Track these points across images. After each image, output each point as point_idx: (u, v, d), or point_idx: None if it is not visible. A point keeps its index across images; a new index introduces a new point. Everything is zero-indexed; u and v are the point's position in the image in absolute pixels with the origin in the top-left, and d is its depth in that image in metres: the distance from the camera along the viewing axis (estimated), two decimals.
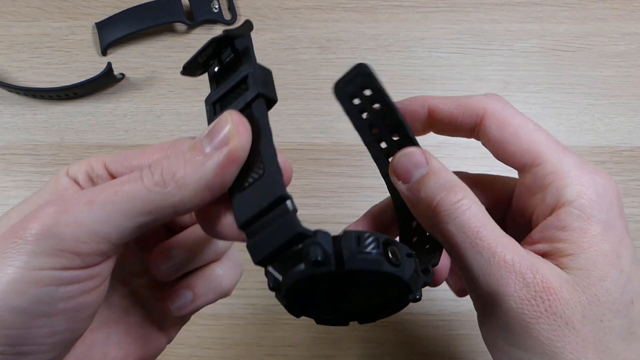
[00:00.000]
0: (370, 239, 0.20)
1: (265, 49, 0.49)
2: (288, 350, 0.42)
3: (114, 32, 0.50)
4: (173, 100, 0.49)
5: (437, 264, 0.25)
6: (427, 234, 0.26)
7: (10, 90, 0.48)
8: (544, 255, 0.23)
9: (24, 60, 0.50)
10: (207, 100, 0.23)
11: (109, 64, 0.47)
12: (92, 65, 0.49)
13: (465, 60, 0.50)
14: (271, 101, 0.22)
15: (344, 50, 0.50)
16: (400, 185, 0.24)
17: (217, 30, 0.51)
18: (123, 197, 0.20)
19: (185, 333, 0.42)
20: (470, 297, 0.24)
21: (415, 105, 0.26)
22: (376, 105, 0.26)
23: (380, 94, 0.26)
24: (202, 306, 0.26)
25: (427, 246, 0.26)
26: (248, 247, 0.20)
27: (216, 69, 0.24)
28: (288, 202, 0.19)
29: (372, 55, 0.50)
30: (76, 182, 0.23)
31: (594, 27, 0.51)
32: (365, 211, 0.30)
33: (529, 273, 0.22)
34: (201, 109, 0.48)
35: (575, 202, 0.23)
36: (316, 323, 0.24)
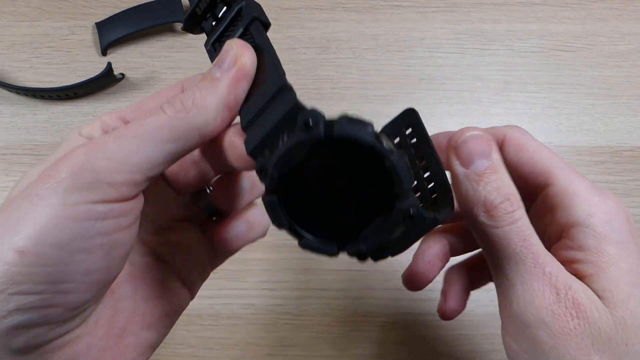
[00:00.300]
0: (362, 121, 0.19)
1: None
2: (288, 350, 0.42)
3: (114, 32, 0.50)
4: None
5: (445, 220, 0.22)
6: (434, 185, 0.24)
7: (10, 90, 0.48)
8: None
9: (24, 60, 0.50)
10: (206, 44, 0.25)
11: (109, 64, 0.47)
12: (92, 65, 0.49)
13: (465, 60, 0.50)
14: (266, 26, 0.24)
15: (344, 50, 0.50)
16: (456, 166, 0.24)
17: None
18: (149, 127, 0.20)
19: (185, 333, 0.42)
20: (500, 305, 0.24)
21: (440, 137, 0.26)
22: (414, 141, 0.25)
23: (421, 131, 0.25)
24: (251, 241, 0.27)
25: (434, 196, 0.24)
26: (245, 141, 0.21)
27: (213, 23, 0.25)
28: (289, 89, 0.20)
29: (372, 55, 0.50)
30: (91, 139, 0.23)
31: (594, 27, 0.51)
32: None
33: (563, 288, 0.22)
34: None
35: (586, 221, 0.23)
36: (299, 245, 0.21)
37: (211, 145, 0.23)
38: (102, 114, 0.24)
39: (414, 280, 0.28)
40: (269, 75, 0.22)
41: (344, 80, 0.49)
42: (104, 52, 0.50)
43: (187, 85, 0.24)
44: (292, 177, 0.20)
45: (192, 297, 0.28)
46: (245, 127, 0.21)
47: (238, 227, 0.26)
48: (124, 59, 0.50)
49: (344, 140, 0.19)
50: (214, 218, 0.28)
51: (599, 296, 0.22)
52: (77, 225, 0.19)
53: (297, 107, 0.20)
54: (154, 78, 0.49)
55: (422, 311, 0.42)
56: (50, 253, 0.19)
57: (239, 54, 0.22)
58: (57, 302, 0.19)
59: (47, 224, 0.19)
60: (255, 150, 0.20)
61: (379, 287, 0.43)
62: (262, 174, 0.20)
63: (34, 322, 0.19)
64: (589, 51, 0.50)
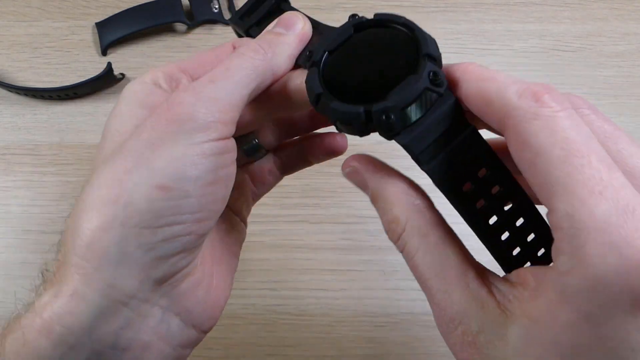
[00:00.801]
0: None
1: None
2: (288, 350, 0.42)
3: (114, 32, 0.50)
4: None
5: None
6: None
7: (10, 90, 0.48)
8: None
9: (24, 60, 0.50)
10: (233, 18, 0.28)
11: (109, 64, 0.47)
12: (92, 65, 0.49)
13: (465, 60, 0.49)
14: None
15: None
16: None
17: (217, 30, 0.51)
18: (236, 70, 0.23)
19: None
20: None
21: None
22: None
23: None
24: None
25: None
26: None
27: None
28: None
29: None
30: (159, 86, 0.25)
31: (594, 27, 0.51)
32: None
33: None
34: None
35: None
36: (331, 117, 0.22)
37: (273, 88, 0.25)
38: (160, 65, 0.25)
39: None
40: (321, 34, 0.25)
41: None
42: (104, 52, 0.50)
43: (239, 45, 0.26)
44: (334, 58, 0.23)
45: (246, 229, 0.31)
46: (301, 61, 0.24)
47: (335, 137, 0.31)
48: (124, 59, 0.50)
49: (381, 20, 0.23)
50: (252, 160, 0.31)
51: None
52: (206, 161, 0.21)
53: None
54: None
55: (422, 311, 0.42)
56: (189, 186, 0.21)
57: (304, 21, 0.25)
58: (193, 230, 0.22)
59: (183, 161, 0.21)
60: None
61: (379, 287, 0.43)
62: (309, 57, 0.23)
63: (175, 251, 0.22)
64: (589, 51, 0.50)
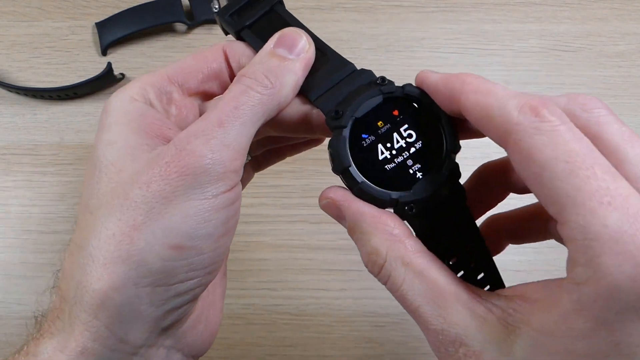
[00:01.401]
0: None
1: None
2: (288, 350, 0.42)
3: (114, 32, 0.50)
4: None
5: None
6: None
7: (10, 90, 0.48)
8: None
9: (24, 60, 0.50)
10: (220, 13, 0.27)
11: (109, 64, 0.47)
12: (92, 65, 0.49)
13: (465, 60, 0.50)
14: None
15: (343, 51, 0.49)
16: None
17: (217, 30, 0.51)
18: (244, 109, 0.22)
19: None
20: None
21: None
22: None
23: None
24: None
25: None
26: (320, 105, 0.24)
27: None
28: (365, 70, 0.25)
29: (372, 55, 0.50)
30: (150, 103, 0.24)
31: (594, 27, 0.51)
32: None
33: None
34: None
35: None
36: (355, 191, 0.23)
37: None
38: (145, 74, 0.24)
39: None
40: (328, 61, 0.26)
41: None
42: (104, 52, 0.50)
43: (232, 53, 0.25)
44: (360, 123, 0.23)
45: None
46: (315, 99, 0.24)
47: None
48: (124, 59, 0.50)
49: (410, 97, 0.23)
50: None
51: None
52: (218, 215, 0.21)
53: (372, 80, 0.24)
54: None
55: None
56: (203, 244, 0.21)
57: (309, 42, 0.24)
58: (204, 282, 0.22)
59: (196, 219, 0.21)
60: (331, 108, 0.23)
61: (379, 287, 0.43)
62: (335, 117, 0.23)
63: (185, 302, 0.22)
64: (589, 51, 0.50)
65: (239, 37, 0.26)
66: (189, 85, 0.24)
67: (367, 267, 0.22)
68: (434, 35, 0.50)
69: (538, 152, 0.18)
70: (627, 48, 0.50)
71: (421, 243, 0.22)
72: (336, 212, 0.23)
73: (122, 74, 0.49)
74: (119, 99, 0.23)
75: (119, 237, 0.20)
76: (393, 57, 0.50)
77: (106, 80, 0.48)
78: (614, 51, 0.50)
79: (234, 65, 0.25)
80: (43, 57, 0.50)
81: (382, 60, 0.49)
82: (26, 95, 0.49)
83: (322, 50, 0.26)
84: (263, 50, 0.24)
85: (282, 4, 0.26)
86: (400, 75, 0.49)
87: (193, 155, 0.20)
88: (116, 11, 0.50)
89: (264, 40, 0.24)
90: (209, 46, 0.25)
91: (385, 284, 0.22)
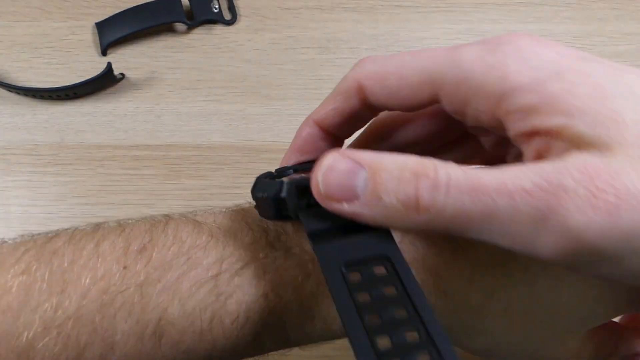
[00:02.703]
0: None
1: (265, 49, 0.49)
2: (288, 350, 0.42)
3: (114, 32, 0.50)
4: (173, 100, 0.49)
5: None
6: None
7: (10, 90, 0.48)
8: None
9: (24, 61, 0.50)
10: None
11: (109, 64, 0.47)
12: (92, 65, 0.49)
13: None
14: None
15: (344, 51, 0.50)
16: (346, 208, 0.19)
17: (217, 30, 0.51)
18: None
19: None
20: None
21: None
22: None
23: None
24: None
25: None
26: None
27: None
28: None
29: (372, 55, 0.50)
30: None
31: (594, 27, 0.51)
32: None
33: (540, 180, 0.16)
34: (201, 109, 0.48)
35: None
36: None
37: None
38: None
39: None
40: None
41: None
42: (104, 52, 0.50)
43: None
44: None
45: None
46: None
47: None
48: (124, 59, 0.50)
49: None
50: None
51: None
52: None
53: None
54: (154, 78, 0.49)
55: None
56: None
57: None
58: None
59: None
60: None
61: None
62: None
63: None
64: (589, 51, 0.50)
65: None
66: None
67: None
68: (434, 35, 0.50)
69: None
70: (627, 48, 0.50)
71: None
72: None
73: (122, 74, 0.49)
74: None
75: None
76: None
77: (106, 80, 0.48)
78: (614, 51, 0.50)
79: None
80: (43, 57, 0.50)
81: None
82: (26, 95, 0.49)
83: None
84: None
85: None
86: None
87: None
88: (116, 11, 0.50)
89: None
90: None
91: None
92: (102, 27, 0.50)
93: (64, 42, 0.50)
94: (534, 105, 0.18)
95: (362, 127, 0.25)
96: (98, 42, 0.50)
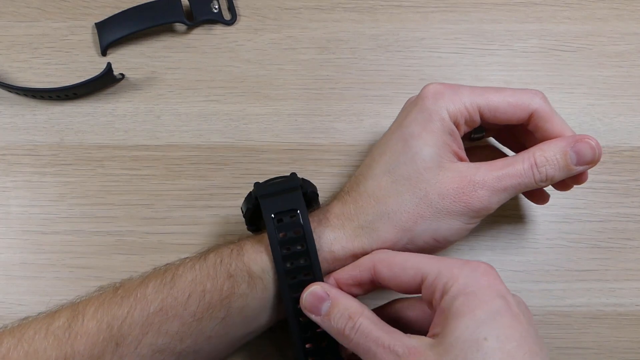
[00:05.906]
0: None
1: (265, 49, 0.49)
2: (288, 350, 0.42)
3: (114, 32, 0.50)
4: (173, 100, 0.49)
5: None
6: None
7: (10, 91, 0.48)
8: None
9: (23, 61, 0.50)
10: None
11: (109, 64, 0.47)
12: (92, 65, 0.49)
13: (465, 60, 0.50)
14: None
15: (344, 51, 0.50)
16: (313, 317, 0.32)
17: (217, 30, 0.51)
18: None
19: None
20: None
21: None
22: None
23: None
24: None
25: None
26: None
27: None
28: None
29: (372, 55, 0.50)
30: (457, 124, 0.35)
31: (594, 27, 0.51)
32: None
33: (399, 347, 0.28)
34: (201, 109, 0.48)
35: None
36: None
37: None
38: (462, 95, 0.36)
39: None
40: None
41: (343, 80, 0.49)
42: (103, 52, 0.50)
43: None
44: None
45: None
46: None
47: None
48: (124, 59, 0.50)
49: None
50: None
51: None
52: (465, 233, 0.36)
53: None
54: (154, 78, 0.49)
55: None
56: (447, 244, 0.36)
57: None
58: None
59: (455, 232, 0.35)
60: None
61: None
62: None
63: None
64: (589, 51, 0.50)
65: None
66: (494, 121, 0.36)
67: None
68: (433, 35, 0.50)
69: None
70: (627, 48, 0.50)
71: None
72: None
73: (122, 74, 0.49)
74: (431, 113, 0.35)
75: (410, 215, 0.33)
76: (393, 57, 0.50)
77: (106, 81, 0.48)
78: (614, 51, 0.50)
79: None
80: (42, 57, 0.50)
81: (381, 60, 0.49)
82: (26, 95, 0.49)
83: None
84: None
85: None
86: (400, 75, 0.49)
87: (479, 201, 0.33)
88: (116, 11, 0.50)
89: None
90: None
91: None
92: (101, 27, 0.50)
93: (63, 43, 0.50)
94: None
95: (367, 293, 0.35)
96: (98, 42, 0.50)
